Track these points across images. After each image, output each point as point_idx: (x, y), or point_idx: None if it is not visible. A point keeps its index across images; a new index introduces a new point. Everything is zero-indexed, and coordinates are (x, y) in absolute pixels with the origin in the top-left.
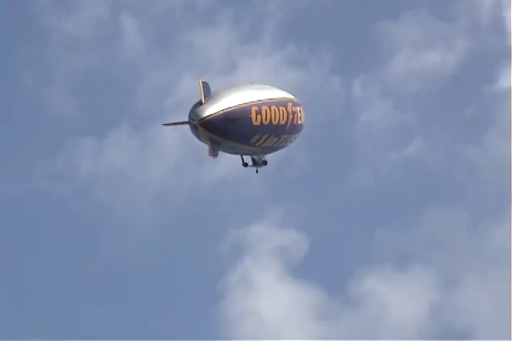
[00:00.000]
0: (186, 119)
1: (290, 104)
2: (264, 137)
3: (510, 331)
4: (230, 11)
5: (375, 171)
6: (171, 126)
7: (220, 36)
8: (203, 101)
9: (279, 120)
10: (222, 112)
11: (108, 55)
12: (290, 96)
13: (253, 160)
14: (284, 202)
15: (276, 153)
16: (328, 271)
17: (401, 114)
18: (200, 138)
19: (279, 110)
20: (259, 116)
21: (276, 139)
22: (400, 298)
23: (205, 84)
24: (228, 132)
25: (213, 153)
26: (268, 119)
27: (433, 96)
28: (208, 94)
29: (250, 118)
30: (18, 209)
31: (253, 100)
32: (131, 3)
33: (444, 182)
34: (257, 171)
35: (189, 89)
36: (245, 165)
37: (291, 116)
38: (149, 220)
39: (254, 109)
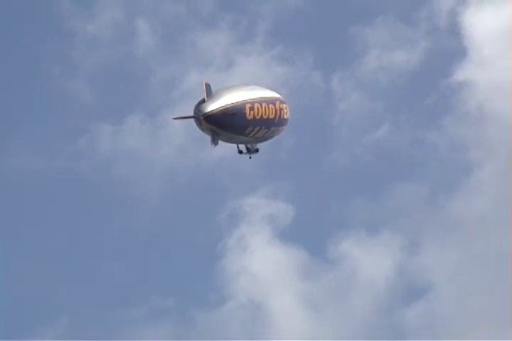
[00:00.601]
0: (192, 114)
1: (278, 102)
2: (256, 129)
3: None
4: (228, 16)
5: (351, 151)
6: (178, 119)
7: (219, 37)
8: (206, 99)
9: (268, 115)
10: (221, 108)
11: (124, 52)
12: (278, 95)
13: (247, 148)
14: (273, 178)
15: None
16: (310, 235)
17: (372, 104)
18: (203, 130)
19: (268, 107)
20: (252, 112)
21: (266, 131)
22: (370, 258)
23: (208, 85)
24: (226, 125)
25: (214, 142)
26: (259, 114)
27: (399, 89)
28: (210, 93)
29: (245, 113)
30: (48, 183)
31: (247, 99)
32: (144, 9)
33: (408, 161)
34: (250, 157)
35: (193, 82)
36: (240, 152)
37: (278, 112)
38: (159, 192)
39: (248, 106)
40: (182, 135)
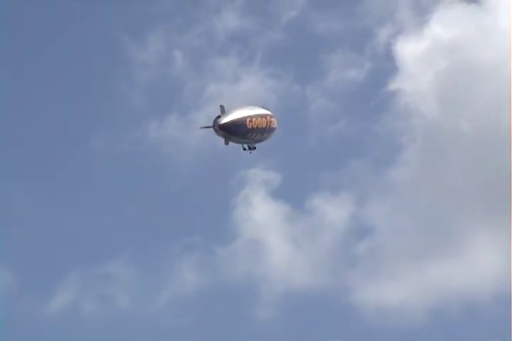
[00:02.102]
0: (211, 125)
1: (268, 117)
2: (254, 134)
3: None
4: (236, 47)
5: (319, 138)
6: (203, 128)
7: (230, 61)
8: (221, 115)
9: (262, 125)
10: (231, 121)
11: (165, 72)
12: (269, 112)
13: (248, 147)
14: (266, 157)
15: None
16: (292, 194)
17: (334, 105)
18: (219, 135)
19: (262, 120)
20: (251, 123)
21: (260, 135)
22: (333, 209)
23: (222, 106)
24: (234, 132)
25: (226, 143)
26: (256, 125)
27: (352, 95)
28: (224, 111)
29: (246, 124)
30: (117, 160)
31: (248, 115)
32: (178, 43)
33: (359, 144)
34: (250, 152)
35: (213, 92)
36: (244, 149)
37: (268, 123)
38: (189, 166)
39: (248, 119)
40: (204, 130)
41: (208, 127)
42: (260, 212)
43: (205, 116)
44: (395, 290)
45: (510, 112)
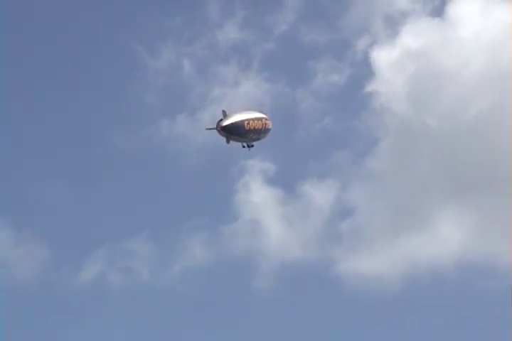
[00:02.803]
0: (215, 127)
1: (264, 119)
2: (251, 135)
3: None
4: (236, 55)
5: (308, 133)
6: (208, 129)
7: (231, 68)
8: (223, 119)
9: (258, 127)
10: (231, 123)
11: (175, 78)
12: (264, 115)
13: (247, 144)
14: (262, 150)
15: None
16: (285, 181)
17: (320, 105)
18: (221, 136)
19: (258, 122)
20: (248, 125)
21: (257, 135)
22: (320, 194)
23: (224, 111)
24: (234, 133)
25: (228, 142)
26: (253, 127)
27: (334, 96)
28: (225, 115)
29: (244, 126)
30: (132, 154)
31: (246, 118)
32: (186, 53)
33: (341, 138)
34: (249, 150)
35: (216, 95)
36: (243, 147)
37: (264, 125)
38: (195, 158)
39: (246, 122)
40: (210, 127)
41: (212, 129)
42: (258, 197)
43: (210, 115)
44: (374, 261)
45: (471, 110)
